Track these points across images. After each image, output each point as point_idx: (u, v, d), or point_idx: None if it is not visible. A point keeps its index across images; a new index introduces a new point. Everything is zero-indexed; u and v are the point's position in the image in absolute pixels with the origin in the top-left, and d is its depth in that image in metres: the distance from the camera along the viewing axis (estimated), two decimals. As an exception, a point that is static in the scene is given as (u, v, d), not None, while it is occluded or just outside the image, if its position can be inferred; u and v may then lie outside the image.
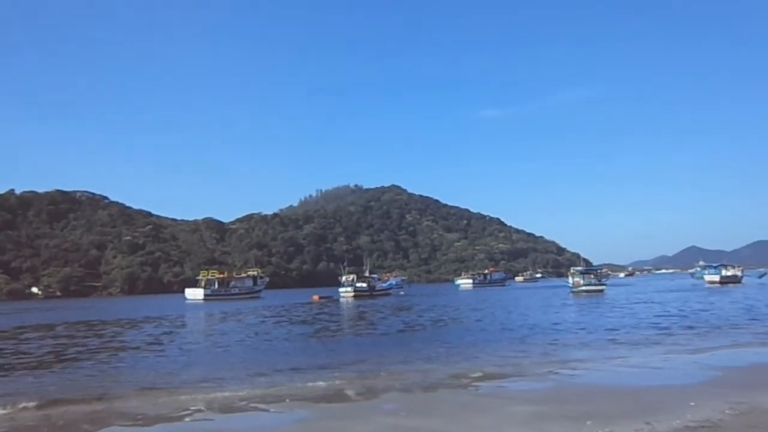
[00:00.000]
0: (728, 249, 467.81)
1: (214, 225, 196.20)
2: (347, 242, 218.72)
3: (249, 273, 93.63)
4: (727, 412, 9.24)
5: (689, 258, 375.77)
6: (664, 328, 23.81)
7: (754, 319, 26.71)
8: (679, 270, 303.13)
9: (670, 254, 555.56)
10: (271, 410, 10.93)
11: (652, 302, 43.61)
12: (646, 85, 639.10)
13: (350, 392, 12.42)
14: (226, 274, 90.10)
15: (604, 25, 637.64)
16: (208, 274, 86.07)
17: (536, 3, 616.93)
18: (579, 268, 76.62)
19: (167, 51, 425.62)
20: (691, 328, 23.69)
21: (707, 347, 17.77)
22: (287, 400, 11.68)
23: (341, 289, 76.22)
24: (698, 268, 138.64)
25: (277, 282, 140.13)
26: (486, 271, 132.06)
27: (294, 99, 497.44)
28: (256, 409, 11.12)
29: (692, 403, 9.88)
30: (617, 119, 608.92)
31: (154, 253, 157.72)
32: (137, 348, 22.78)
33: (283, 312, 45.83)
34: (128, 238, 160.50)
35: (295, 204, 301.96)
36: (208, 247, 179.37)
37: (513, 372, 14.48)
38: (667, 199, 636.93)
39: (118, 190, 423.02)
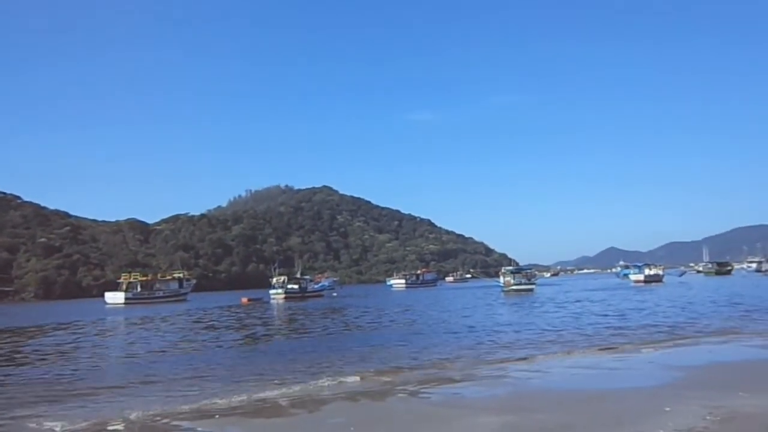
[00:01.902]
0: (644, 250, 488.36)
1: (137, 226, 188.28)
2: (277, 243, 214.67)
3: (174, 275, 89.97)
4: (708, 417, 8.43)
5: (609, 258, 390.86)
6: (607, 327, 23.46)
7: (693, 319, 26.64)
8: (599, 270, 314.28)
9: (591, 255, 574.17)
10: (198, 429, 9.38)
11: (587, 300, 43.99)
12: (570, 90, 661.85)
13: (289, 404, 10.99)
14: (149, 277, 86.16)
15: (533, 32, 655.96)
16: (130, 277, 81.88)
17: (471, 8, 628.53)
18: (510, 268, 77.32)
19: (86, 47, 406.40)
20: (632, 326, 23.37)
21: (657, 346, 17.35)
22: (217, 416, 10.15)
23: (272, 291, 74.15)
24: (619, 268, 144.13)
25: (205, 285, 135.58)
26: (418, 272, 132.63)
27: (222, 99, 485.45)
28: (179, 428, 9.54)
29: (667, 408, 9.05)
30: (542, 125, 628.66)
31: (72, 256, 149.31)
32: (40, 359, 20.31)
33: (209, 315, 43.59)
34: (43, 239, 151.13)
35: (224, 204, 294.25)
36: (131, 248, 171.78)
37: (462, 376, 13.46)
38: (588, 202, 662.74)
39: (32, 189, 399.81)
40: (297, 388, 12.66)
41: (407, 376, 13.76)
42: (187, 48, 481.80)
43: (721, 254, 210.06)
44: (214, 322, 36.38)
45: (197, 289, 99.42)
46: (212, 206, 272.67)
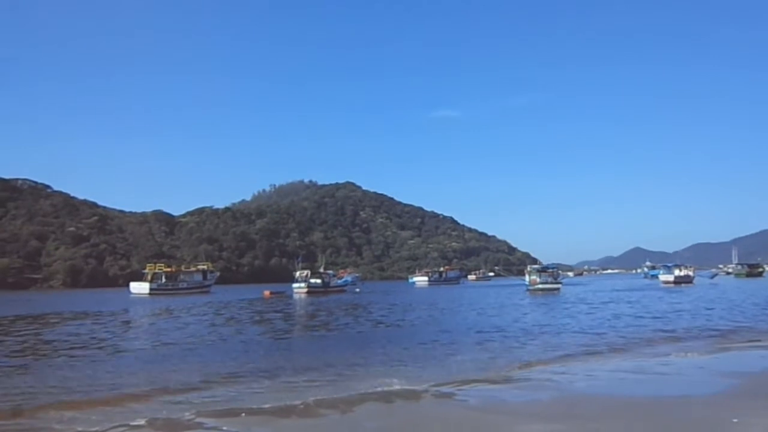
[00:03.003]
0: (670, 251, 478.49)
1: (163, 218, 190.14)
2: (300, 238, 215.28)
3: (198, 267, 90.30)
4: (783, 432, 7.61)
5: (634, 258, 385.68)
6: (647, 329, 22.44)
7: (737, 322, 25.43)
8: (624, 270, 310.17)
9: (615, 255, 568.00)
10: (224, 428, 8.81)
11: (619, 301, 42.73)
12: (592, 88, 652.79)
13: (319, 404, 10.36)
14: (174, 268, 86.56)
15: (558, 30, 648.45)
16: (155, 268, 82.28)
17: (499, 5, 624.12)
18: (536, 267, 75.95)
19: (117, 34, 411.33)
20: (674, 329, 22.26)
21: (704, 350, 16.41)
22: (243, 415, 9.57)
23: (294, 285, 73.97)
24: (646, 268, 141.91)
25: (228, 277, 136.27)
26: (441, 269, 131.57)
27: (248, 92, 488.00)
28: (203, 426, 8.97)
29: (735, 420, 8.25)
30: (566, 123, 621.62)
31: (100, 246, 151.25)
32: (62, 349, 19.82)
33: (233, 308, 43.31)
34: (72, 229, 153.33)
35: (248, 198, 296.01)
36: (157, 240, 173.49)
37: (500, 378, 12.71)
38: (613, 201, 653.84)
39: (62, 179, 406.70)
40: (328, 387, 12.07)
41: (442, 377, 13.05)
42: (213, 45, 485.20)
43: (751, 256, 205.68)
44: (239, 315, 36.03)
45: (220, 281, 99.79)
46: (237, 200, 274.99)
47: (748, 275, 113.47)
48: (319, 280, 75.32)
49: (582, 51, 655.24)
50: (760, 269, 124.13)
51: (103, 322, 32.13)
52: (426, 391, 11.31)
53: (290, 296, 64.76)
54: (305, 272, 78.28)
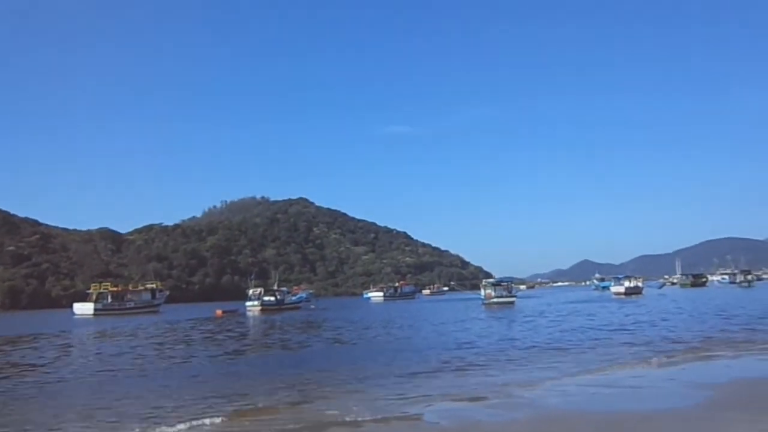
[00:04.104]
0: (616, 262, 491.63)
1: (109, 235, 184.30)
2: (252, 255, 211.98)
3: (147, 286, 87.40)
4: (772, 447, 7.25)
5: (583, 271, 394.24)
6: (610, 341, 22.29)
7: (697, 332, 25.64)
8: (574, 282, 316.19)
9: (565, 267, 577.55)
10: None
11: (575, 313, 42.88)
12: (540, 103, 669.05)
13: (280, 430, 9.56)
14: (120, 287, 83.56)
15: (503, 47, 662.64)
16: (100, 287, 79.20)
17: (444, 23, 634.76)
18: (491, 281, 76.40)
19: (60, 52, 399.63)
20: (636, 341, 22.13)
21: (670, 361, 16.25)
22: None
23: (248, 303, 72.40)
24: (596, 281, 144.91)
25: (178, 296, 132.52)
26: (396, 284, 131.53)
27: (199, 106, 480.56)
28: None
29: (720, 436, 7.87)
30: (516, 138, 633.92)
31: (41, 265, 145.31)
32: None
33: (182, 328, 41.71)
34: (12, 248, 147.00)
35: (199, 215, 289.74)
36: (103, 258, 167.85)
37: (471, 396, 12.13)
38: (561, 216, 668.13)
39: (2, 196, 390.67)
40: (290, 411, 11.28)
41: (408, 396, 12.41)
42: (164, 57, 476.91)
43: (693, 266, 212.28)
44: (187, 336, 34.58)
45: (170, 300, 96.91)
46: (187, 217, 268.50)
47: (693, 285, 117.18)
48: (272, 298, 73.90)
49: (529, 69, 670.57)
50: (704, 279, 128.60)
51: (40, 346, 30.13)
52: (393, 413, 10.66)
53: (243, 315, 63.18)
54: (258, 290, 76.91)
